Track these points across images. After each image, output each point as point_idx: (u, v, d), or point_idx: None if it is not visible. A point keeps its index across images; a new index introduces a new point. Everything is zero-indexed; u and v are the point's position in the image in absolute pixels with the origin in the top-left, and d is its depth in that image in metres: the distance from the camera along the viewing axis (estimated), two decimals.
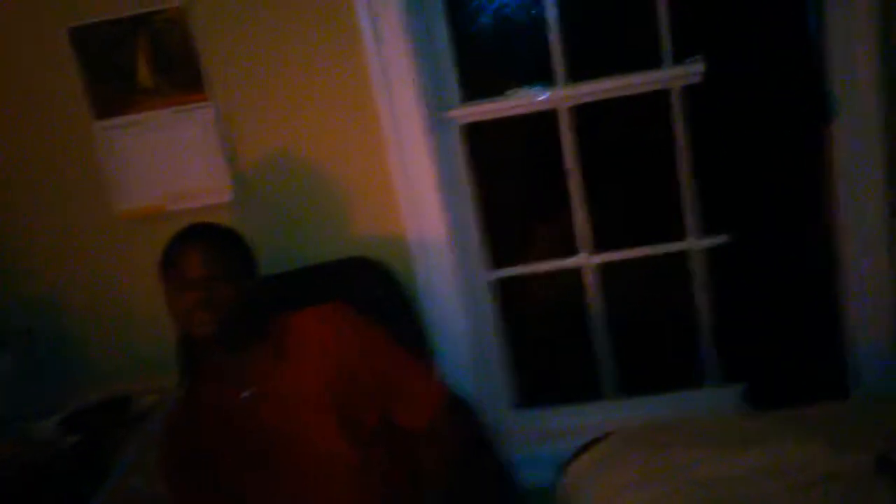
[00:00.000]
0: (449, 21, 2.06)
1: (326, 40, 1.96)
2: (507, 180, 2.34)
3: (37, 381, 2.11)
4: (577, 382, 2.34)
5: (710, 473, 1.58)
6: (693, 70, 1.93)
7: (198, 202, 2.08)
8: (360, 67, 1.96)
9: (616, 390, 2.29)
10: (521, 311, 2.34)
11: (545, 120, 2.09)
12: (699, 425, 1.84)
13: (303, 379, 1.61)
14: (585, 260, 2.20)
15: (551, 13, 2.03)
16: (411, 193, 2.02)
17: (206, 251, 1.56)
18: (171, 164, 2.08)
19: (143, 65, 2.02)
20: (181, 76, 2.01)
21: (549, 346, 2.47)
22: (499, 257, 2.24)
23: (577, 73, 2.05)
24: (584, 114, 2.08)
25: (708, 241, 2.12)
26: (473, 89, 2.11)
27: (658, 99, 2.03)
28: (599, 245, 2.19)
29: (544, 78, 2.06)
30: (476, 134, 2.14)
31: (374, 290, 1.92)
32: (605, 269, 2.21)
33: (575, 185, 2.14)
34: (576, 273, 2.22)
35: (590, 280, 2.21)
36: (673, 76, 2.00)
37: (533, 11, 2.09)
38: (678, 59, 1.98)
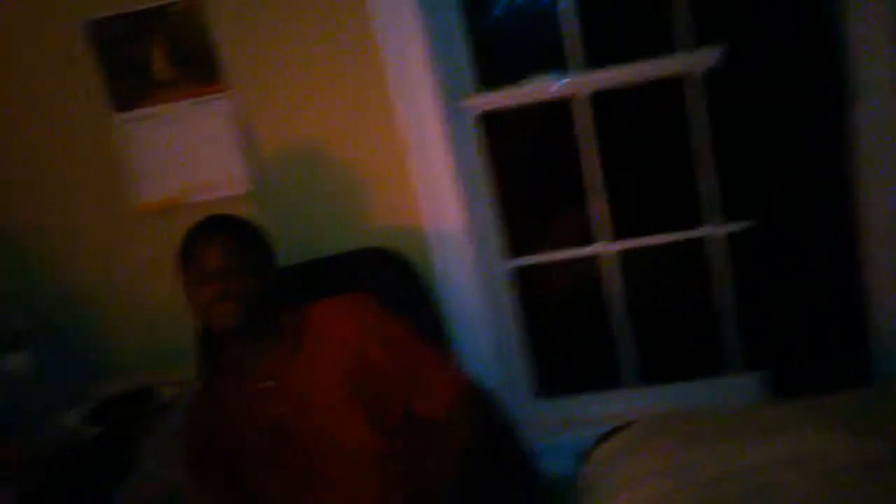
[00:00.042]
0: (464, 9, 2.04)
1: (342, 30, 1.96)
2: (524, 169, 2.33)
3: (60, 374, 2.12)
4: (597, 371, 2.33)
5: (732, 462, 1.57)
6: (711, 55, 1.90)
7: (215, 194, 2.09)
8: (375, 58, 1.95)
9: (637, 379, 2.27)
10: (540, 300, 2.33)
11: (562, 108, 2.08)
12: (721, 414, 1.83)
13: (322, 370, 1.61)
14: (604, 248, 2.19)
15: None
16: (428, 183, 2.02)
17: (225, 243, 1.56)
18: (189, 156, 2.09)
19: (159, 58, 2.02)
20: (197, 68, 2.02)
21: (568, 334, 2.45)
22: (517, 246, 2.23)
23: (594, 60, 2.03)
24: (602, 101, 2.06)
25: (728, 228, 2.09)
26: (489, 78, 2.09)
27: (676, 85, 2.00)
28: (618, 232, 2.17)
29: (560, 65, 2.04)
30: (492, 123, 2.13)
31: (390, 280, 1.92)
32: (625, 256, 2.19)
33: (592, 172, 2.12)
34: (595, 261, 2.21)
35: (609, 268, 2.20)
36: (691, 61, 1.97)
37: None
38: (696, 44, 1.96)
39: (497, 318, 2.18)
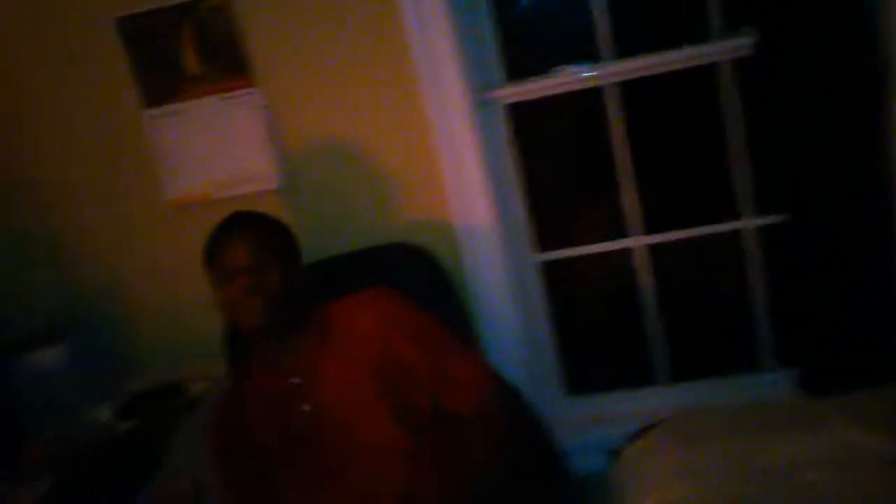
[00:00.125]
0: (492, 0, 2.03)
1: (370, 24, 1.96)
2: (554, 160, 2.31)
3: (91, 369, 2.14)
4: (628, 367, 2.31)
5: (765, 460, 1.56)
6: (743, 43, 1.87)
7: (245, 189, 2.10)
8: (403, 50, 1.95)
9: (668, 375, 2.24)
10: (570, 295, 2.31)
11: (591, 98, 2.06)
12: (753, 411, 1.81)
13: (348, 367, 1.61)
14: (636, 241, 2.16)
15: None
16: (456, 176, 2.01)
17: (251, 240, 1.56)
18: (219, 151, 2.10)
19: (190, 53, 2.04)
20: (227, 63, 2.03)
21: (599, 330, 2.43)
22: (546, 240, 2.21)
23: (624, 49, 2.01)
24: (632, 90, 2.04)
25: (762, 221, 2.06)
26: (518, 68, 2.08)
27: (708, 74, 1.98)
28: (650, 225, 2.14)
29: (590, 55, 2.03)
30: (521, 114, 2.12)
31: (416, 275, 1.91)
32: (656, 250, 2.16)
33: (623, 164, 2.10)
34: (626, 255, 2.18)
35: (640, 262, 2.17)
36: (722, 49, 1.95)
37: None
38: (728, 32, 1.93)
39: (526, 314, 2.17)
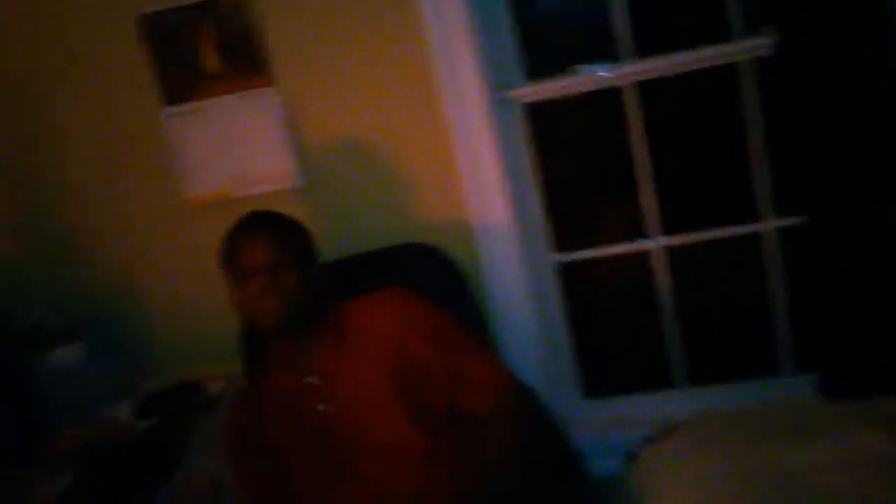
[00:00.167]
0: None
1: (388, 23, 1.96)
2: (572, 160, 2.31)
3: (109, 368, 2.16)
4: (646, 370, 2.29)
5: (783, 465, 1.55)
6: (763, 42, 1.86)
7: (264, 188, 2.10)
8: (421, 49, 1.95)
9: (686, 378, 2.23)
10: (587, 296, 2.30)
11: (610, 98, 2.05)
12: (771, 415, 1.80)
13: (364, 367, 1.60)
14: (654, 243, 2.15)
15: None
16: (474, 176, 2.01)
17: (268, 239, 1.57)
18: (237, 149, 2.11)
19: (209, 51, 2.05)
20: (246, 62, 2.04)
21: (616, 332, 2.42)
22: (563, 240, 2.20)
23: (643, 48, 2.00)
24: (651, 90, 2.03)
25: (782, 223, 2.04)
26: (536, 68, 2.08)
27: (727, 73, 1.96)
28: (668, 227, 2.13)
29: (609, 54, 2.02)
30: (539, 113, 2.11)
31: (431, 275, 1.91)
32: (675, 252, 2.15)
33: (642, 164, 2.09)
34: (644, 256, 2.17)
35: (659, 264, 2.16)
36: (742, 49, 1.93)
37: None
38: (749, 31, 1.92)
39: (543, 315, 2.16)
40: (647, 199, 2.11)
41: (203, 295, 2.20)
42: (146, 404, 2.06)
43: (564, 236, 2.20)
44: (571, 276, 2.23)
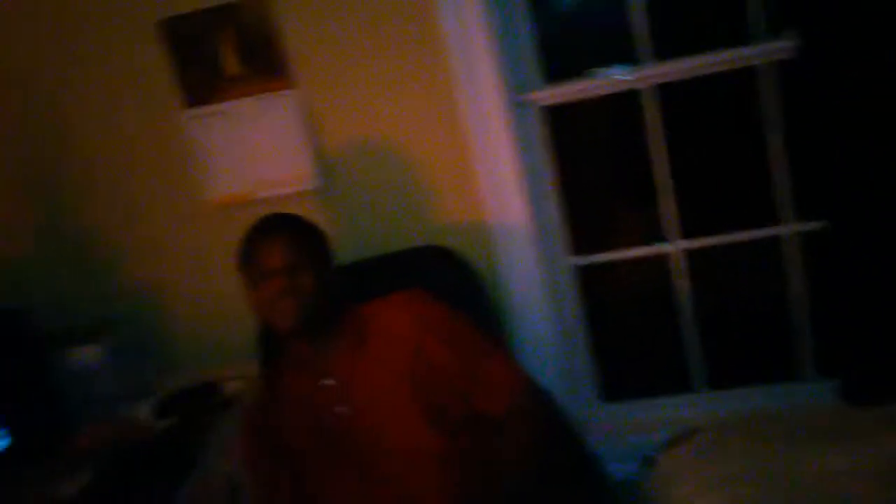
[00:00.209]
0: (529, 1, 2.03)
1: (406, 26, 1.96)
2: (590, 163, 2.30)
3: (128, 367, 2.17)
4: (664, 374, 2.28)
5: (803, 470, 1.54)
6: (784, 46, 1.84)
7: (283, 190, 2.11)
8: (440, 52, 1.95)
9: (705, 383, 2.21)
10: (605, 299, 2.29)
11: (629, 101, 2.04)
12: (791, 420, 1.79)
13: (381, 369, 1.61)
14: (673, 246, 2.13)
15: None
16: (492, 178, 2.01)
17: (284, 241, 1.57)
18: (257, 151, 2.12)
19: (230, 54, 2.06)
20: (266, 65, 2.05)
21: (635, 336, 2.41)
22: (581, 243, 2.19)
23: (662, 51, 1.99)
24: (670, 93, 2.02)
25: (803, 227, 2.03)
26: (554, 70, 2.07)
27: (747, 76, 1.95)
28: (688, 230, 2.11)
29: (627, 57, 2.01)
30: (557, 115, 2.10)
31: (448, 277, 1.90)
32: (694, 255, 2.13)
33: (661, 167, 2.08)
34: (663, 260, 2.16)
35: (678, 267, 2.15)
36: (763, 52, 1.92)
37: None
38: (769, 34, 1.90)
39: (561, 318, 2.15)
40: (666, 202, 2.10)
41: (222, 296, 2.21)
42: (165, 404, 2.07)
43: (582, 239, 2.19)
44: (589, 279, 2.22)
